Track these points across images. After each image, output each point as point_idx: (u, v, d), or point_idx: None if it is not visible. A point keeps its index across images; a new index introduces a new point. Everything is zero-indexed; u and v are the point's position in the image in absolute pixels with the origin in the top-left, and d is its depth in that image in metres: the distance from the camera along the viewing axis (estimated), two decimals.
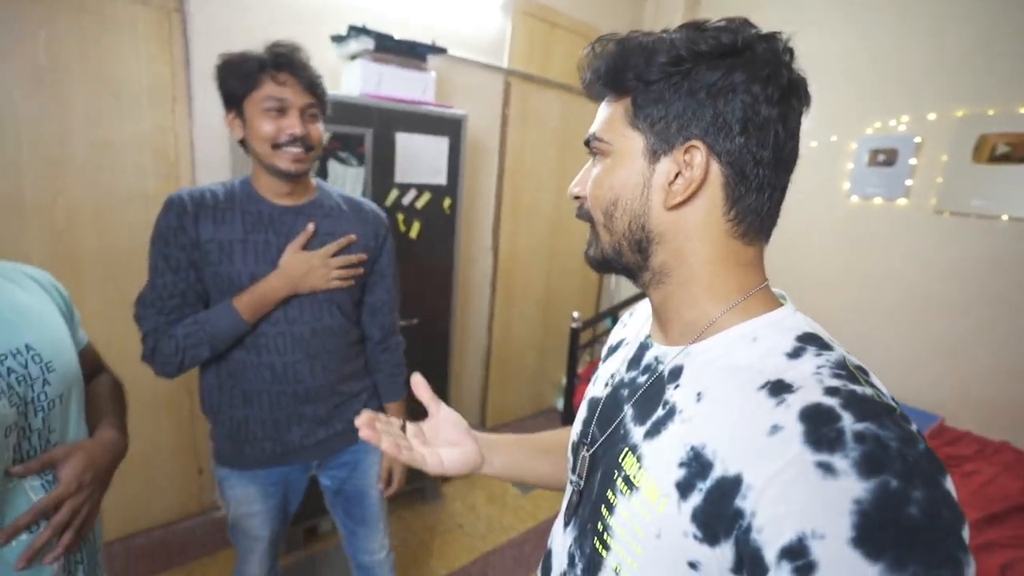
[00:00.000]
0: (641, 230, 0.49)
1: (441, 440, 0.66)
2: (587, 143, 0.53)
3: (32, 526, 0.69)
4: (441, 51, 1.95)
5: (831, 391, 0.38)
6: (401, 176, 1.93)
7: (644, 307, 0.67)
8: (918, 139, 2.19)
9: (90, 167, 1.63)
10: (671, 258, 0.49)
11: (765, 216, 0.48)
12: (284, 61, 1.00)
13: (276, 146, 1.01)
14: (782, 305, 0.49)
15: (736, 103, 0.44)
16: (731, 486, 0.39)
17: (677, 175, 0.46)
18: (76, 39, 1.54)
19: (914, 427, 0.37)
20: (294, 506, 1.28)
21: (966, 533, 0.34)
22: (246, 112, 1.02)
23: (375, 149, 1.84)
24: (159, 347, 1.04)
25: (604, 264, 0.54)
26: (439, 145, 2.00)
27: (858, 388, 0.39)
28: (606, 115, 0.51)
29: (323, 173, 2.03)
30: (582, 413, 0.63)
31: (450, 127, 2.01)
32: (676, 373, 0.50)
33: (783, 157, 0.46)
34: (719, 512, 0.39)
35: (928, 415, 2.16)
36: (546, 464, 0.73)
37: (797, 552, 0.34)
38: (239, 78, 1.00)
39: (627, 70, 0.47)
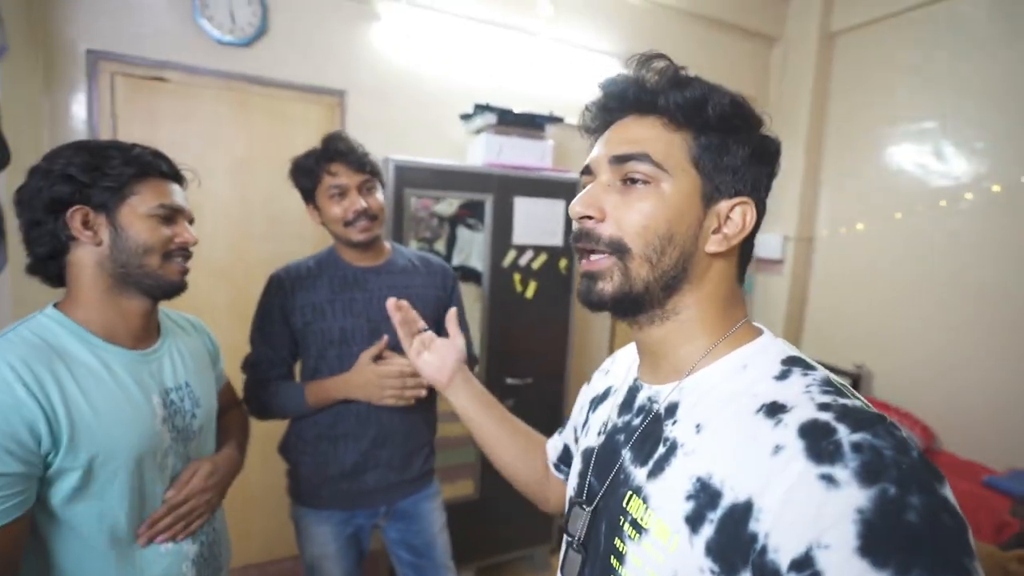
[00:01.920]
0: (683, 271, 0.49)
1: (437, 351, 0.81)
2: (624, 159, 0.49)
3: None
4: (558, 120, 2.07)
5: (823, 406, 0.40)
6: (519, 238, 2.02)
7: (626, 353, 0.68)
8: None
9: (264, 236, 1.97)
10: (690, 298, 0.51)
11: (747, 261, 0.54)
12: (332, 153, 1.18)
13: (346, 224, 1.18)
14: (762, 334, 0.51)
15: (769, 170, 0.51)
16: (743, 511, 0.39)
17: (720, 223, 0.50)
18: (265, 135, 1.92)
19: (905, 434, 0.38)
20: (367, 546, 1.33)
21: (971, 539, 0.34)
22: (318, 202, 1.22)
23: (495, 213, 1.96)
24: (250, 400, 1.24)
25: (622, 301, 0.50)
26: (555, 208, 2.07)
27: (848, 401, 0.40)
28: (657, 140, 0.48)
29: (452, 239, 2.21)
30: (577, 466, 0.62)
31: (566, 190, 2.08)
32: (672, 409, 0.50)
33: None
34: (734, 540, 0.39)
35: None
36: (504, 434, 0.77)
37: (804, 563, 0.34)
38: (304, 176, 1.21)
39: (704, 105, 0.47)
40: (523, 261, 2.04)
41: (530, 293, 2.06)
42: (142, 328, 0.84)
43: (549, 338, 2.14)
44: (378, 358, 1.18)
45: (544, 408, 2.15)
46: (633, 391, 0.57)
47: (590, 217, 0.50)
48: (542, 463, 0.78)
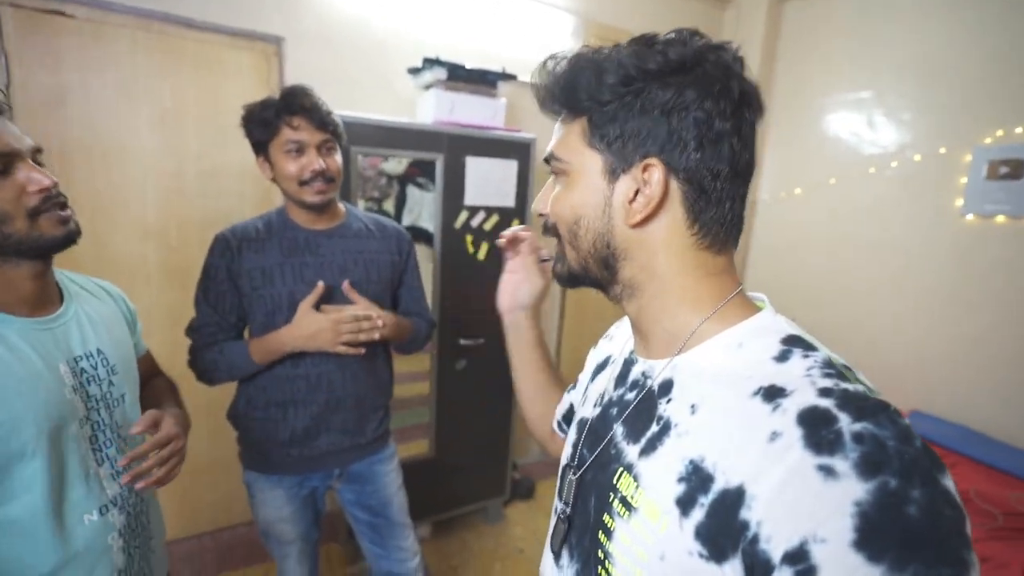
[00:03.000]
0: (606, 247, 0.49)
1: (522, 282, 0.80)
2: (547, 161, 0.53)
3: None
4: (511, 78, 2.01)
5: (825, 392, 0.38)
6: (471, 199, 1.99)
7: (627, 322, 0.68)
8: None
9: (198, 194, 1.84)
10: (640, 272, 0.50)
11: (729, 225, 0.48)
12: (295, 107, 1.10)
13: (302, 183, 1.12)
14: (760, 309, 0.49)
15: (689, 120, 0.44)
16: (734, 498, 0.38)
17: (636, 192, 0.47)
18: (194, 84, 1.76)
19: (907, 422, 0.37)
20: (322, 505, 1.34)
21: (968, 530, 0.33)
22: (271, 156, 1.14)
23: (446, 173, 1.91)
24: (195, 364, 1.20)
25: (572, 279, 0.55)
26: (508, 168, 2.04)
27: (850, 386, 0.39)
28: (562, 134, 0.51)
29: (402, 198, 2.15)
30: (571, 435, 0.62)
31: (519, 150, 2.05)
32: (667, 387, 0.49)
33: (739, 169, 0.46)
34: (724, 526, 0.38)
35: None
36: (535, 377, 0.82)
37: (798, 557, 0.33)
38: (260, 127, 1.12)
39: (579, 90, 0.47)
40: (475, 222, 2.01)
41: (482, 255, 2.06)
42: (35, 293, 0.76)
43: None
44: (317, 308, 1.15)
45: (497, 367, 2.18)
46: (628, 364, 0.56)
47: (544, 214, 0.56)
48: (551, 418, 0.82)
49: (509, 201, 2.07)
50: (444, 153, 1.89)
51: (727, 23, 2.89)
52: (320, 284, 1.13)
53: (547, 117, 0.54)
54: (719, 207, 0.47)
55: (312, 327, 1.11)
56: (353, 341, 1.13)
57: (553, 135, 0.53)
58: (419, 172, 2.04)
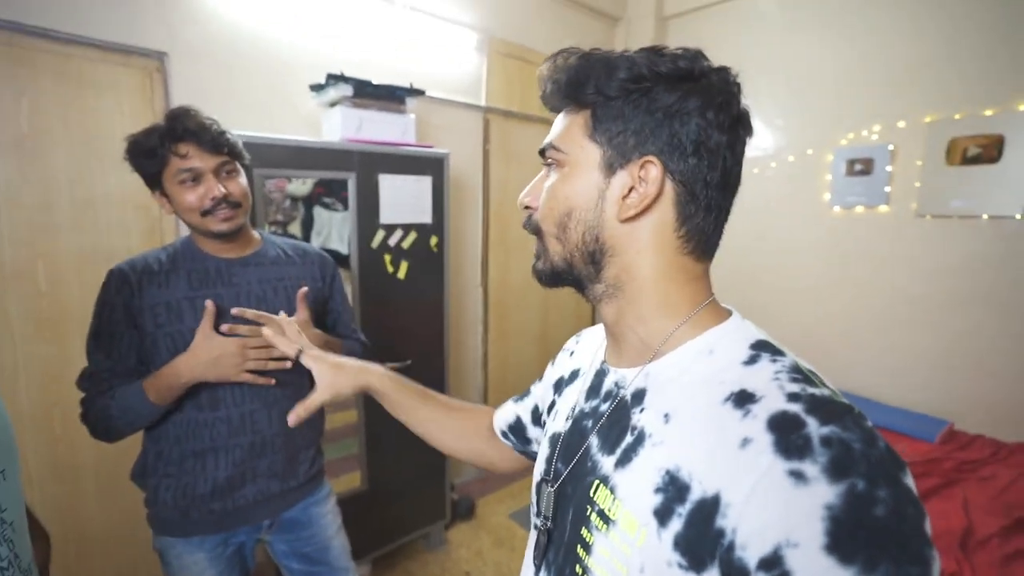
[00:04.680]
0: (595, 241, 0.50)
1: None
2: (542, 152, 0.54)
3: None
4: (419, 93, 2.00)
5: (793, 397, 0.39)
6: (386, 217, 1.94)
7: (593, 334, 0.69)
8: (891, 147, 2.24)
9: (73, 227, 1.63)
10: (623, 272, 0.50)
11: (710, 236, 0.50)
12: (180, 132, 1.00)
13: (204, 213, 1.03)
14: (730, 316, 0.51)
15: (691, 126, 0.46)
16: (711, 506, 0.38)
17: (631, 189, 0.48)
18: (58, 103, 1.56)
19: (871, 424, 0.38)
20: (252, 562, 1.21)
21: (928, 528, 0.35)
22: (166, 189, 1.04)
23: (359, 192, 1.85)
24: (88, 417, 1.04)
25: (554, 276, 0.54)
26: (422, 184, 2.02)
27: (816, 391, 0.40)
28: (564, 126, 0.52)
29: (309, 220, 2.04)
30: (544, 451, 0.61)
31: (432, 166, 2.03)
32: (639, 396, 0.49)
33: (729, 181, 0.49)
34: (701, 535, 0.38)
35: (936, 420, 2.12)
36: (418, 407, 0.85)
37: (772, 563, 0.34)
38: (147, 159, 1.01)
39: (588, 83, 0.48)
40: (393, 241, 1.96)
41: (402, 274, 2.01)
42: None
43: (425, 317, 2.12)
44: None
45: (427, 386, 2.13)
46: (600, 375, 0.56)
47: (530, 207, 0.55)
48: (485, 429, 0.83)
49: (426, 217, 2.05)
50: (356, 171, 1.83)
51: (618, 38, 3.09)
52: (209, 303, 1.01)
53: (548, 110, 0.54)
54: (706, 215, 0.48)
55: (215, 351, 0.99)
56: (260, 368, 1.03)
57: (553, 127, 0.53)
58: (326, 192, 1.95)
